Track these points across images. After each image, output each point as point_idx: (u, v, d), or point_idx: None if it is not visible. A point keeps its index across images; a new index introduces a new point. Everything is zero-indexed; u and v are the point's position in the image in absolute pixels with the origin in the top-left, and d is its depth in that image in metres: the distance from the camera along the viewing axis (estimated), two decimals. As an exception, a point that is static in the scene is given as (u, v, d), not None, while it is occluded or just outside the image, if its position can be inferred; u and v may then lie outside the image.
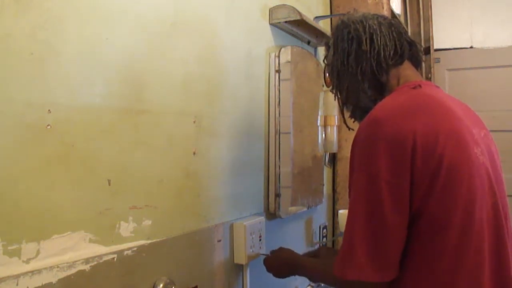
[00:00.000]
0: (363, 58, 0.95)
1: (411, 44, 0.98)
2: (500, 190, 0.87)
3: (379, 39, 0.94)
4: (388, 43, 0.94)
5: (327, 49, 1.06)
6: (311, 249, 1.66)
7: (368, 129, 0.83)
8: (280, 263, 1.19)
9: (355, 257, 0.80)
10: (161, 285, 0.97)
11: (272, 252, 1.24)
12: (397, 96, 0.90)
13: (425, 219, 0.79)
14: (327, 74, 1.09)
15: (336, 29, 1.01)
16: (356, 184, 0.83)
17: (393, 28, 0.96)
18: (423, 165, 0.78)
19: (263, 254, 1.28)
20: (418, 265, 0.81)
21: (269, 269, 1.22)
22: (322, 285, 1.73)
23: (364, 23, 0.96)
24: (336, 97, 1.05)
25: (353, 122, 1.07)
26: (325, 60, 1.09)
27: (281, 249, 1.24)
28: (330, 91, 1.10)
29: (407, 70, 0.96)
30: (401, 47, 0.96)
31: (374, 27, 0.95)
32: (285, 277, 1.20)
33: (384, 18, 0.99)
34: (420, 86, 0.91)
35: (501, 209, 0.85)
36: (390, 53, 0.94)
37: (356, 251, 0.80)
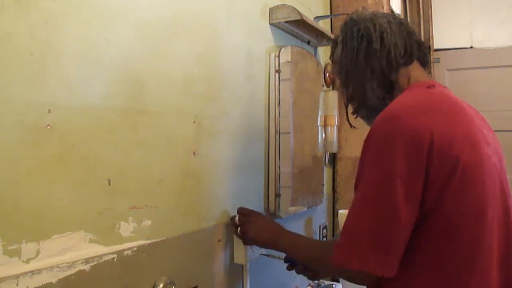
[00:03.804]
0: (373, 56, 0.94)
1: (420, 44, 0.98)
2: (509, 190, 0.87)
3: (389, 38, 0.94)
4: (398, 42, 0.94)
5: (334, 46, 1.05)
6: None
7: (385, 125, 0.82)
8: (265, 225, 1.13)
9: (360, 247, 0.80)
10: (161, 285, 0.97)
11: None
12: (414, 94, 0.89)
13: (437, 218, 0.79)
14: (335, 71, 1.08)
15: (345, 26, 1.00)
16: (368, 177, 0.82)
17: (402, 27, 0.96)
18: (439, 165, 0.77)
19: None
20: (427, 264, 0.80)
21: (247, 224, 1.15)
22: (322, 285, 1.74)
23: (374, 21, 0.96)
24: (344, 94, 1.04)
25: (355, 118, 1.06)
26: (331, 57, 1.07)
27: (268, 218, 1.19)
28: (337, 88, 1.09)
29: (416, 70, 0.96)
30: (410, 47, 0.95)
31: (384, 25, 0.95)
32: (260, 244, 1.13)
33: (394, 17, 0.98)
34: (434, 86, 0.91)
35: (511, 209, 0.85)
36: (400, 52, 0.94)
37: (361, 241, 0.80)
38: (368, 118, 1.02)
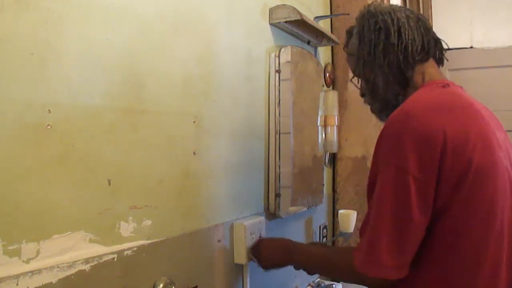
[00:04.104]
0: (390, 50, 0.93)
1: (437, 41, 0.97)
2: None
3: (407, 33, 0.93)
4: (416, 38, 0.93)
5: (349, 37, 1.04)
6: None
7: (399, 123, 0.81)
8: (275, 245, 1.15)
9: (377, 253, 0.80)
10: (161, 285, 0.97)
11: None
12: (428, 93, 0.89)
13: (447, 220, 0.79)
14: (349, 63, 1.06)
15: (362, 18, 0.99)
16: (382, 177, 0.82)
17: (420, 23, 0.95)
18: (452, 165, 0.77)
19: None
20: (437, 264, 0.80)
21: (260, 252, 1.18)
22: (322, 285, 1.73)
23: (392, 15, 0.94)
24: (362, 88, 1.03)
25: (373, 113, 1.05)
26: (345, 48, 1.07)
27: (276, 237, 1.22)
28: (350, 80, 1.08)
29: (431, 67, 0.95)
30: (427, 44, 0.94)
31: (402, 20, 0.93)
32: (277, 265, 1.14)
33: (412, 11, 0.97)
34: (448, 85, 0.90)
35: None
36: (417, 48, 0.93)
37: (379, 247, 0.80)
38: (380, 113, 1.01)
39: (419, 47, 0.93)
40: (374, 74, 0.96)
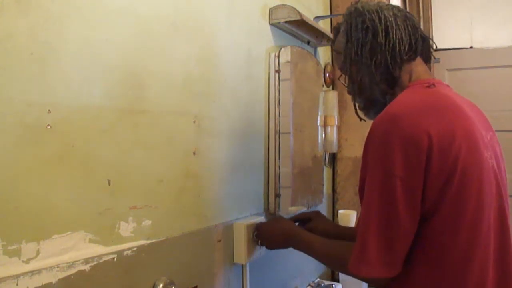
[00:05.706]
0: (377, 50, 0.92)
1: (424, 39, 0.96)
2: (505, 193, 0.87)
3: (394, 32, 0.92)
4: (403, 38, 0.92)
5: (336, 34, 1.04)
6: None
7: (384, 126, 0.81)
8: (277, 230, 1.19)
9: (367, 254, 0.81)
10: (161, 285, 0.97)
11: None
12: (412, 94, 0.88)
13: (437, 220, 0.79)
14: (336, 61, 1.06)
15: (349, 16, 0.98)
16: (370, 180, 0.82)
17: (408, 22, 0.94)
18: (438, 167, 0.77)
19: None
20: (427, 263, 0.81)
21: (262, 235, 1.24)
22: (322, 285, 1.74)
23: (380, 13, 0.93)
24: (349, 87, 1.03)
25: (359, 110, 1.05)
26: (332, 44, 1.06)
27: (280, 217, 1.25)
28: (338, 79, 1.08)
29: (418, 66, 0.95)
30: (415, 42, 0.93)
31: (390, 19, 0.93)
32: (278, 247, 1.20)
33: (399, 9, 0.96)
34: (434, 85, 0.90)
35: (506, 211, 0.85)
36: (405, 47, 0.92)
37: (368, 248, 0.81)
38: (368, 111, 1.01)
39: (407, 46, 0.92)
40: (361, 74, 0.96)
